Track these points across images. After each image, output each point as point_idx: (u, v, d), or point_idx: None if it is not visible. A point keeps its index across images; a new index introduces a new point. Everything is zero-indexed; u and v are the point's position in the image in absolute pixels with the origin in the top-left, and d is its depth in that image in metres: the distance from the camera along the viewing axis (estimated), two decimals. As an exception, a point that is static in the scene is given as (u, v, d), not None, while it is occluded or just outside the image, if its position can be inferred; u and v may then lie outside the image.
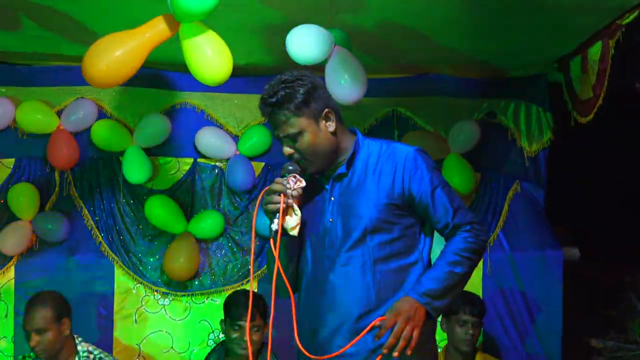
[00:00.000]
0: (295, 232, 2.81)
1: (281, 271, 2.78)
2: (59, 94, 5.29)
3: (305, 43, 4.36)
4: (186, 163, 5.39)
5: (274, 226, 2.74)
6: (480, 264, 5.30)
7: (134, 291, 5.29)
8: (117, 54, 3.88)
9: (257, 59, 5.19)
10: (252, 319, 4.37)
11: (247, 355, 4.27)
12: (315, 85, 2.84)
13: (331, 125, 2.85)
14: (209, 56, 3.93)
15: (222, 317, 4.56)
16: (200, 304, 5.32)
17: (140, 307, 5.28)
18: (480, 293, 5.24)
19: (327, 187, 2.92)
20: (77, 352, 4.45)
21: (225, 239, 5.38)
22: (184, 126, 5.32)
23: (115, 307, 5.26)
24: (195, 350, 5.29)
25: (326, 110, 2.84)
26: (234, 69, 5.12)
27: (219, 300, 5.21)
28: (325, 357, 2.82)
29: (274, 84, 2.83)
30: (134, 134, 5.27)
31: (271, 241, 2.78)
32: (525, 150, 5.37)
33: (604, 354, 4.89)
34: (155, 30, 3.98)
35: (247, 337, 4.11)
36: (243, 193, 5.38)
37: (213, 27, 4.04)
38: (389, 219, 2.85)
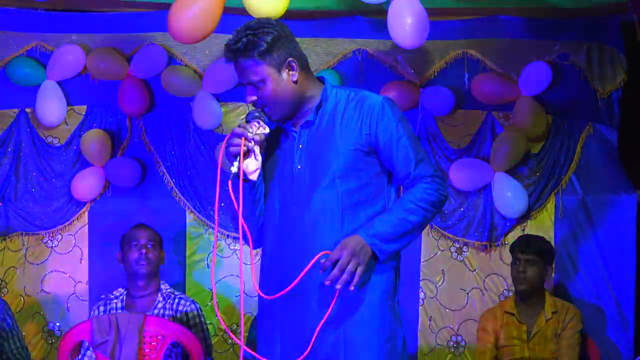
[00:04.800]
0: (254, 177, 2.83)
1: (241, 219, 2.77)
2: (129, 41, 5.30)
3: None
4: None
5: (233, 169, 2.77)
6: (552, 206, 5.26)
7: (205, 236, 5.33)
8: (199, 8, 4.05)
9: (324, 4, 5.18)
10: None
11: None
12: (280, 34, 2.83)
13: (294, 75, 2.84)
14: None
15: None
16: (271, 248, 5.32)
17: (212, 251, 5.31)
18: (552, 236, 5.18)
19: (295, 134, 2.92)
20: (160, 290, 4.57)
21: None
22: (253, 71, 5.30)
23: (188, 252, 5.31)
24: (266, 294, 5.32)
25: (289, 59, 2.83)
26: (301, 13, 5.12)
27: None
28: (277, 295, 2.81)
29: (240, 31, 2.83)
30: (203, 80, 5.28)
31: (229, 183, 2.79)
32: (599, 92, 5.27)
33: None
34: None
35: None
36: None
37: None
38: (357, 165, 2.85)
